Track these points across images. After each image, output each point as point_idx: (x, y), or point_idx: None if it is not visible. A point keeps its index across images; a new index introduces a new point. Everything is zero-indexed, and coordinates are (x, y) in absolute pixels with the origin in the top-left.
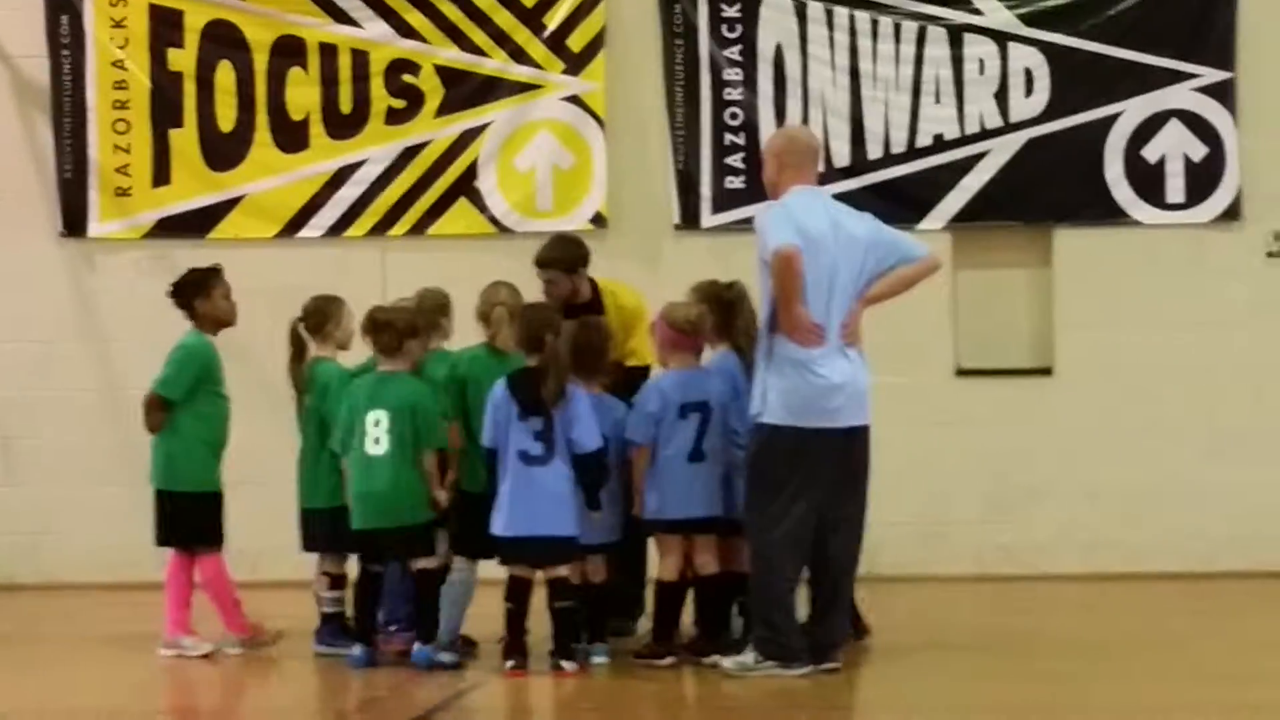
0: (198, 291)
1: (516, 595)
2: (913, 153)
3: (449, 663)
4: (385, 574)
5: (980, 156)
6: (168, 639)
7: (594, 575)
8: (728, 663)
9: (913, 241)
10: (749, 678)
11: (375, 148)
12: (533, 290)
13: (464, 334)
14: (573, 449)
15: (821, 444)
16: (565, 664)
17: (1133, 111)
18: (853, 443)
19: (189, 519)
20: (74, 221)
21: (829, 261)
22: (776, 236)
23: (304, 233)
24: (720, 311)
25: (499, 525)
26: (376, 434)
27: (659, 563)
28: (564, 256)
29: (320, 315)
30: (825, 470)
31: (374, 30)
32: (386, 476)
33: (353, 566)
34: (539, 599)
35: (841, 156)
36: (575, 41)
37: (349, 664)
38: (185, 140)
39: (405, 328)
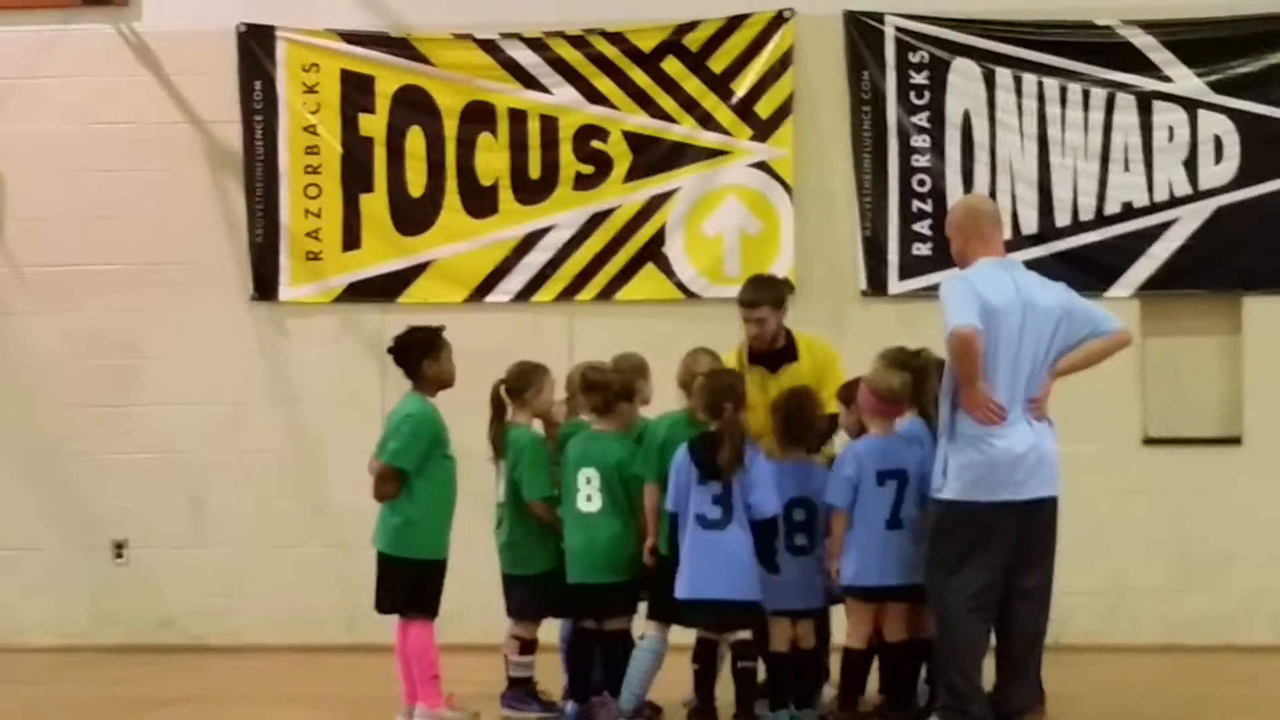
0: (426, 352)
1: (704, 656)
2: (1101, 220)
3: None
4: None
5: (1169, 224)
6: (430, 712)
7: (803, 640)
8: None
9: (1105, 314)
10: None
11: (563, 213)
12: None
13: (657, 399)
14: (750, 514)
15: (1003, 516)
16: None
17: None
18: (1038, 514)
19: (417, 586)
20: (265, 285)
21: (1014, 333)
22: (954, 316)
23: (492, 297)
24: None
25: (680, 588)
26: (588, 491)
27: (849, 629)
28: (773, 293)
29: (522, 380)
30: (1008, 541)
31: (563, 96)
32: (604, 532)
33: (544, 631)
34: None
35: (1029, 224)
36: (763, 108)
37: (564, 718)
38: (375, 205)
39: (619, 389)
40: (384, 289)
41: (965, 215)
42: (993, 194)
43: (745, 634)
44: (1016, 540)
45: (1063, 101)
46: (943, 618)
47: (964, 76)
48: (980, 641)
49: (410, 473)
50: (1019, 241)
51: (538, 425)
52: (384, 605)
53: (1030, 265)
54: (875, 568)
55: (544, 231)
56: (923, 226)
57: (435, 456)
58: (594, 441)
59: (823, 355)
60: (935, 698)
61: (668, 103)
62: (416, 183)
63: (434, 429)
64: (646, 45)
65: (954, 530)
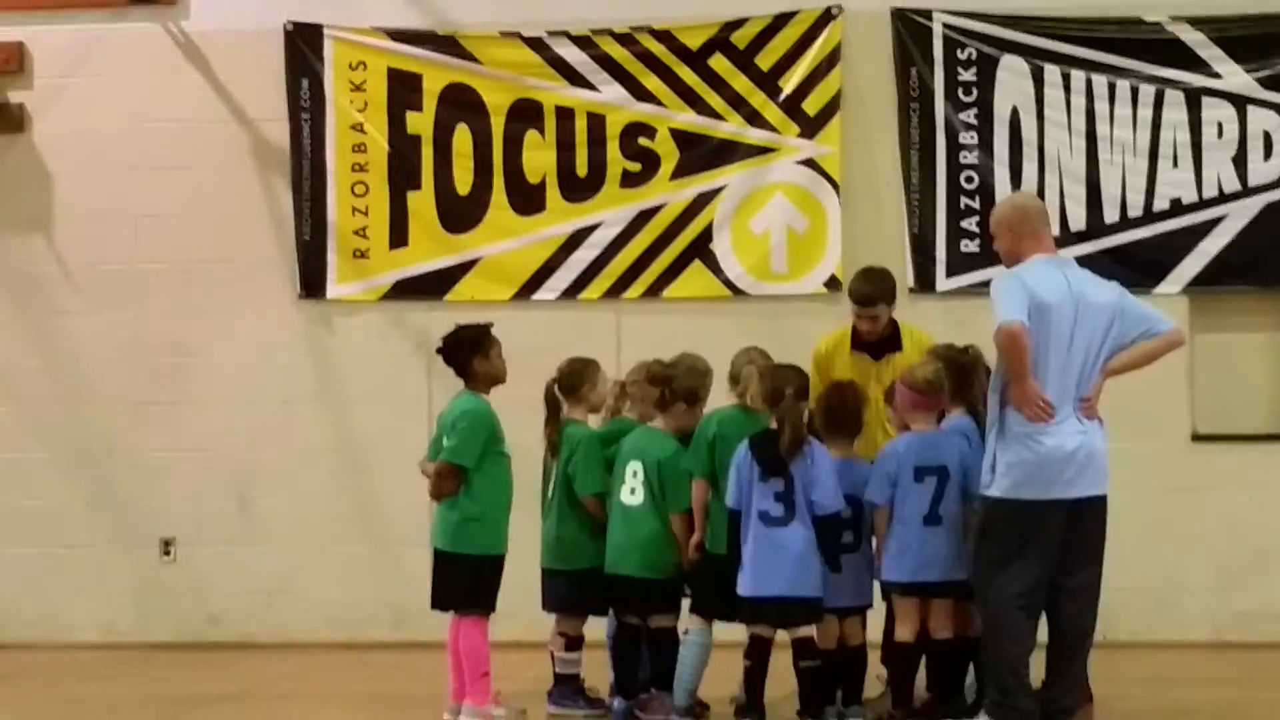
0: (476, 349)
1: (757, 654)
2: (1149, 216)
3: None
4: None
5: (1218, 221)
6: (477, 709)
7: (851, 638)
8: None
9: (1158, 314)
10: None
11: (610, 210)
12: (772, 355)
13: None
14: (813, 510)
15: (1051, 514)
16: None
17: None
18: (1086, 512)
19: (476, 582)
20: (312, 283)
21: (1065, 331)
22: (1003, 311)
23: (539, 295)
24: (956, 375)
25: (743, 586)
26: (633, 484)
27: (897, 624)
28: (888, 289)
29: (576, 377)
30: (1055, 539)
31: (610, 94)
32: (644, 527)
33: (590, 628)
34: (779, 661)
35: (1078, 220)
36: (811, 105)
37: (614, 717)
38: (423, 203)
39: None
40: (431, 287)
41: (1015, 212)
42: (1041, 191)
43: (809, 631)
44: (1064, 539)
45: (1111, 98)
46: (990, 615)
47: (1012, 73)
48: (1028, 639)
49: (470, 469)
50: (1067, 238)
51: (593, 421)
52: (441, 602)
53: (1079, 262)
54: (912, 564)
55: (591, 229)
56: (970, 224)
57: (492, 453)
58: (647, 436)
59: (926, 344)
60: (983, 694)
61: (715, 100)
62: (464, 180)
63: (490, 425)
64: (694, 42)
65: (1002, 528)
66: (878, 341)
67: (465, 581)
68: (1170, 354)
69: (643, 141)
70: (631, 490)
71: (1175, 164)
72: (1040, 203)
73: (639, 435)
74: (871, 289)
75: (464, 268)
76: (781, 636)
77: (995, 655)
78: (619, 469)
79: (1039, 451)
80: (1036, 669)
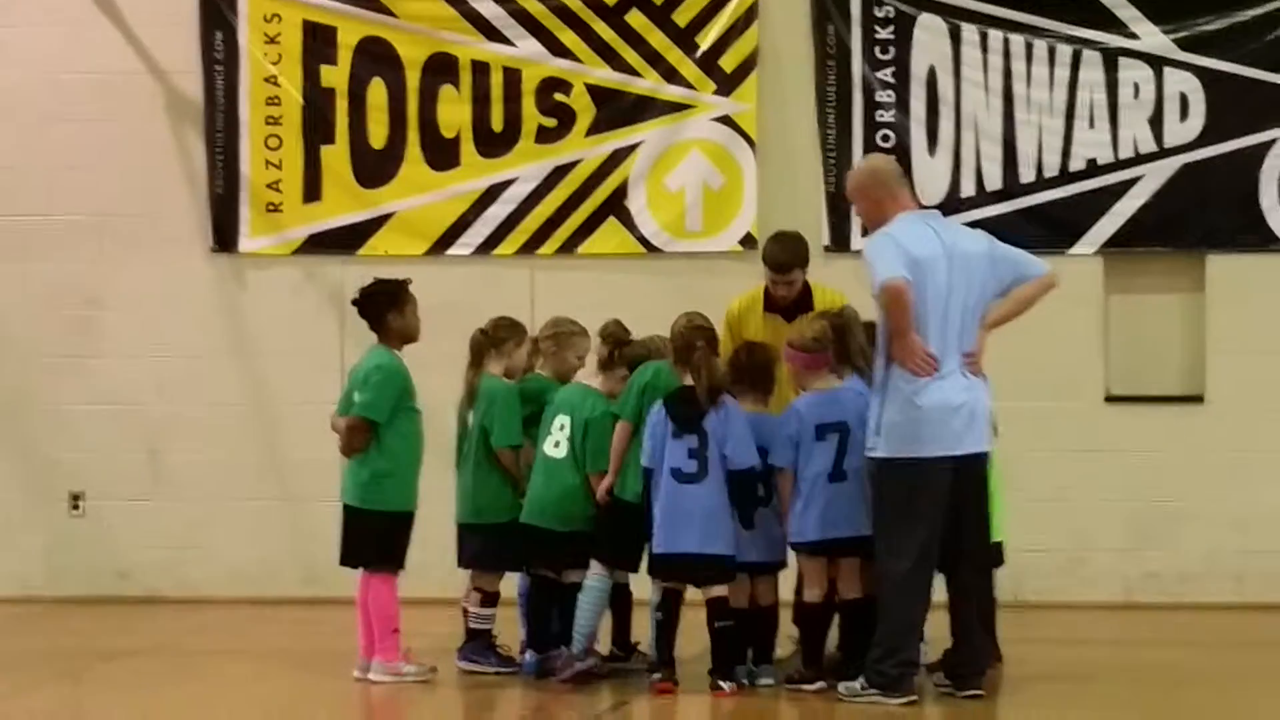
0: (392, 304)
1: (667, 609)
2: (1065, 177)
3: (586, 668)
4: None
5: (1133, 182)
6: (387, 665)
7: (763, 597)
8: (841, 687)
9: (1029, 258)
10: (857, 703)
11: (526, 166)
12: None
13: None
14: (727, 466)
15: (937, 471)
16: (723, 684)
17: None
18: (971, 470)
19: (386, 539)
20: (225, 237)
21: (942, 284)
22: (882, 270)
23: (453, 250)
24: (834, 337)
25: (655, 543)
26: (558, 438)
27: (805, 585)
28: (802, 255)
29: (505, 332)
30: (944, 497)
31: (526, 49)
32: (563, 480)
33: (506, 585)
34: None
35: (993, 180)
36: (728, 62)
37: (525, 670)
38: (336, 157)
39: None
40: (344, 241)
41: (870, 177)
42: (957, 150)
43: (722, 591)
44: (953, 496)
45: (1028, 58)
46: (885, 573)
47: (929, 32)
48: (921, 598)
49: (381, 424)
50: (983, 198)
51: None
52: (350, 559)
53: (993, 221)
54: (820, 521)
55: (506, 184)
56: None
57: (404, 408)
58: (582, 394)
59: (839, 304)
60: (855, 655)
61: (632, 56)
62: (378, 134)
63: (402, 381)
64: None
65: (891, 488)
66: (791, 304)
67: (375, 538)
68: (1084, 315)
69: (559, 97)
70: (556, 443)
71: (1092, 124)
72: (892, 162)
73: (573, 391)
74: (787, 256)
75: (378, 222)
76: (695, 594)
77: (888, 614)
78: (547, 420)
79: (924, 406)
80: (940, 633)
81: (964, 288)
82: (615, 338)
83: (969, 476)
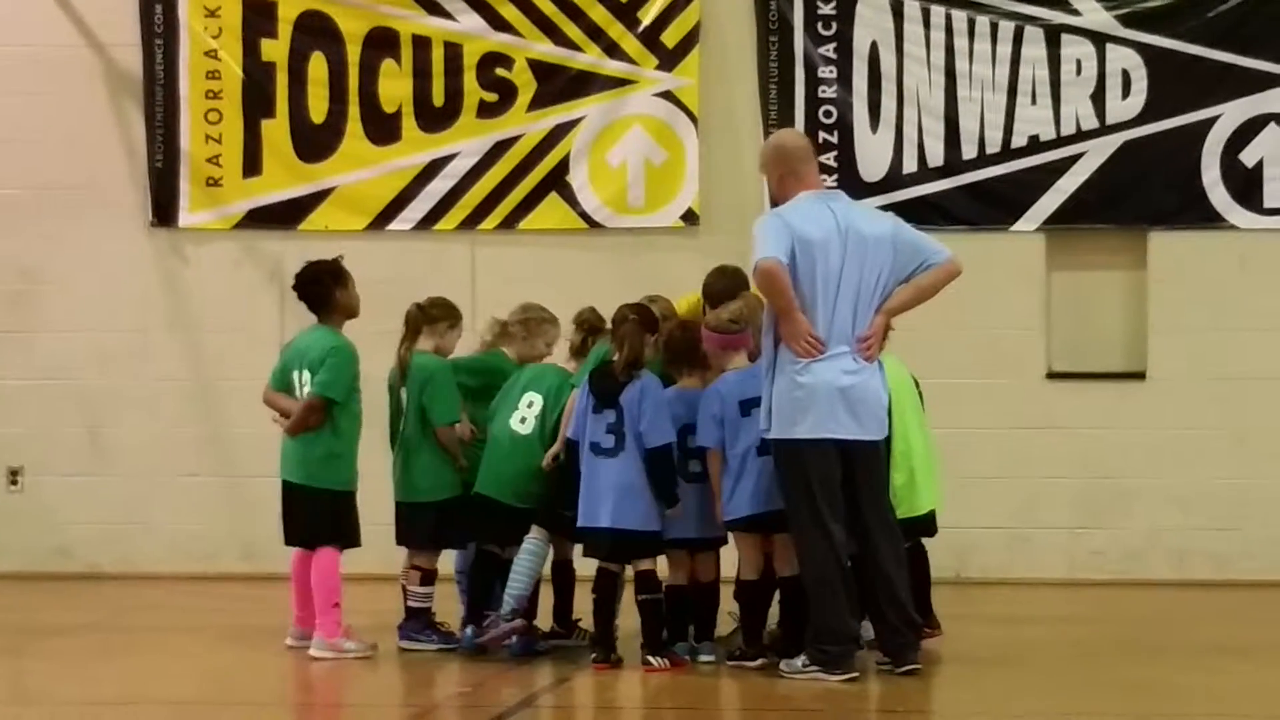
0: (336, 281)
1: (601, 588)
2: (1007, 153)
3: (513, 628)
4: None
5: (1076, 158)
6: (328, 642)
7: (703, 574)
8: (782, 665)
9: (934, 244)
10: (798, 680)
11: (467, 141)
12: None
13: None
14: (640, 443)
15: (824, 454)
16: (653, 660)
17: (1231, 114)
18: (862, 456)
19: (339, 516)
20: (164, 211)
21: (834, 266)
22: (760, 250)
23: (394, 225)
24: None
25: (578, 517)
26: (525, 414)
27: (740, 562)
28: (743, 284)
29: (441, 310)
30: (836, 477)
31: (467, 23)
32: (526, 458)
33: (444, 562)
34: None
35: (936, 156)
36: (670, 37)
37: (463, 645)
38: (277, 131)
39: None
40: (285, 216)
41: (774, 154)
42: (899, 127)
43: (649, 564)
44: (848, 479)
45: (971, 34)
46: (802, 557)
47: (872, 8)
48: (836, 574)
49: (340, 404)
50: (925, 174)
51: None
52: (301, 538)
53: (936, 198)
54: (752, 497)
55: (447, 159)
56: (828, 158)
57: (355, 389)
58: (556, 374)
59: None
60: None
61: (573, 30)
62: (318, 109)
63: (356, 361)
64: None
65: (787, 468)
66: None
67: (331, 517)
68: (1027, 292)
69: (500, 72)
70: (522, 419)
71: (1034, 101)
72: (802, 140)
73: (546, 370)
74: (725, 285)
75: (318, 197)
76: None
77: (812, 593)
78: (514, 396)
79: (807, 387)
80: None
81: (857, 270)
82: (589, 324)
83: (859, 463)
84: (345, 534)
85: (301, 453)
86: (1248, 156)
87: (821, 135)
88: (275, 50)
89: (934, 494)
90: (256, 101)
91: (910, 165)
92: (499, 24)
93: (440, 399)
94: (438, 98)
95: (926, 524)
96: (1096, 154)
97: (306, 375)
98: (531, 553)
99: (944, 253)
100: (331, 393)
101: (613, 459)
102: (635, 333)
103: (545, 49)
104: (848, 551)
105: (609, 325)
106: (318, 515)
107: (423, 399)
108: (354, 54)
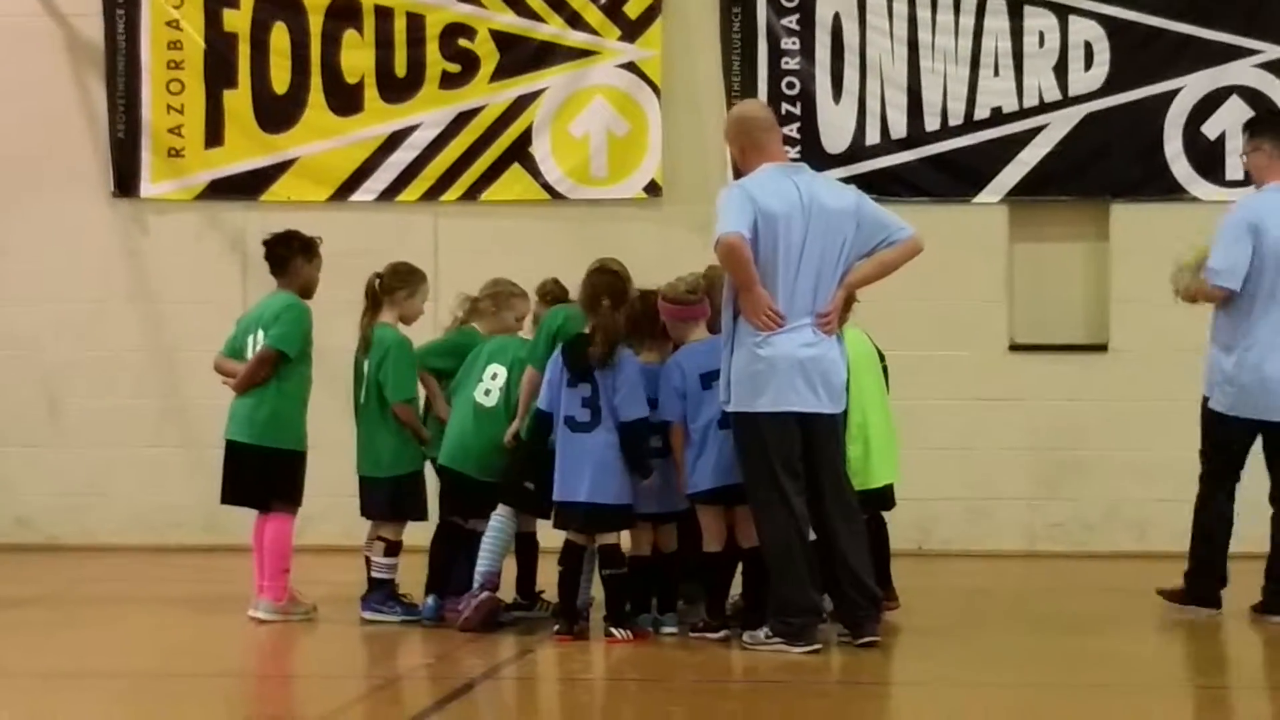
0: (304, 251)
1: (567, 560)
2: (970, 125)
3: (481, 599)
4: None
5: (1038, 130)
6: (276, 605)
7: (665, 545)
8: (745, 636)
9: (897, 220)
10: (760, 651)
11: (429, 112)
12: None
13: None
14: (615, 416)
15: (783, 427)
16: (615, 631)
17: (1193, 87)
18: (820, 429)
19: (284, 477)
20: (126, 182)
21: (796, 239)
22: (721, 224)
23: (356, 196)
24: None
25: (554, 491)
26: (490, 386)
27: (704, 536)
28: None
29: (399, 279)
30: (796, 452)
31: None
32: (490, 430)
33: (409, 534)
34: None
35: (898, 128)
36: (632, 9)
37: (424, 615)
38: (239, 101)
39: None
40: (247, 187)
41: (737, 126)
42: (862, 98)
43: (613, 538)
44: (807, 451)
45: (934, 5)
46: (761, 531)
47: None
48: (798, 546)
49: (291, 359)
50: (888, 145)
51: (405, 331)
52: (241, 497)
53: (899, 169)
54: (714, 470)
55: (409, 130)
56: (791, 130)
57: (306, 351)
58: (517, 345)
59: None
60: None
61: (535, 1)
62: (281, 79)
63: (310, 322)
64: None
65: (747, 442)
66: None
67: (277, 477)
68: (989, 263)
69: (462, 42)
70: (487, 391)
71: (996, 73)
72: (764, 111)
73: (509, 343)
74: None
75: (280, 168)
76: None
77: (772, 565)
78: (479, 368)
79: (766, 360)
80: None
81: (820, 243)
82: (553, 295)
83: (817, 435)
84: (290, 494)
85: (248, 412)
86: (1210, 129)
87: (784, 106)
88: (237, 20)
89: (891, 468)
90: (218, 72)
91: (873, 137)
92: None
93: (396, 375)
94: (400, 68)
95: (883, 497)
96: (1059, 126)
97: (260, 334)
98: (499, 529)
99: (907, 230)
100: (284, 345)
101: (588, 433)
102: (612, 320)
103: (508, 20)
104: (808, 524)
105: (572, 297)
106: (263, 475)
107: (379, 375)
108: (316, 24)
